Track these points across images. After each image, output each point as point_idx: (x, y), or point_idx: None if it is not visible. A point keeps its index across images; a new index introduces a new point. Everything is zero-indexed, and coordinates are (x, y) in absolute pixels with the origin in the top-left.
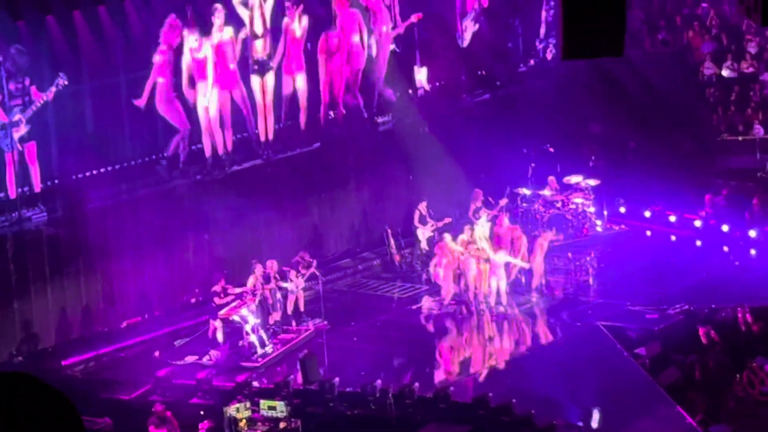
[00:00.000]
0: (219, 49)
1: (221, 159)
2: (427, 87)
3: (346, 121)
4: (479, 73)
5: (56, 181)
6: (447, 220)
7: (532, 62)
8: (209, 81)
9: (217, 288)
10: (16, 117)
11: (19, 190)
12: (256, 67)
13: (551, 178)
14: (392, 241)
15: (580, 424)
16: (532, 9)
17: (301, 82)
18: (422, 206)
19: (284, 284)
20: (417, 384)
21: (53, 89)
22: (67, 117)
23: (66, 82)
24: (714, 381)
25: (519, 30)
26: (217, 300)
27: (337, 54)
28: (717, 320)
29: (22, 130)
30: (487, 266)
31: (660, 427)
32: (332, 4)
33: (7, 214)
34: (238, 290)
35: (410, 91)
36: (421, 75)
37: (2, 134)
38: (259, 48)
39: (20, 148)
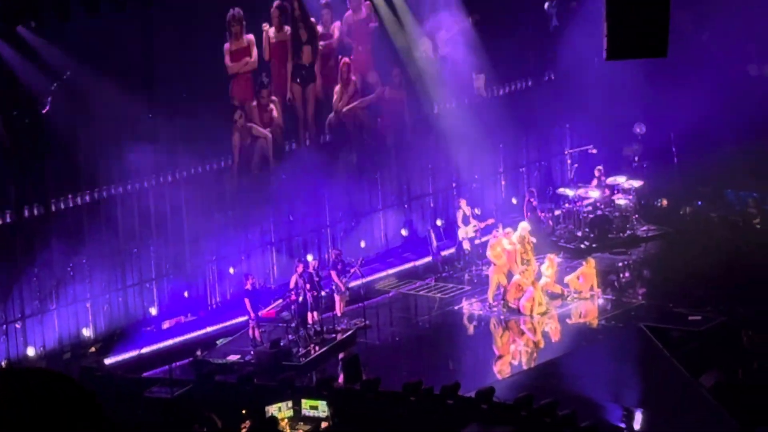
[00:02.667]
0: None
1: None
2: (485, 94)
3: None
4: (547, 78)
5: None
6: (490, 221)
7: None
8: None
9: (247, 287)
10: None
11: None
12: (300, 74)
13: (599, 167)
14: (435, 242)
15: (623, 425)
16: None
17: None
18: (463, 204)
19: (336, 281)
20: (459, 384)
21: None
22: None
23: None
24: (757, 383)
25: None
26: (247, 300)
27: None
28: (760, 322)
29: None
30: (531, 267)
31: (703, 428)
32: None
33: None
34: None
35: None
36: (479, 82)
37: None
38: (306, 54)
39: None
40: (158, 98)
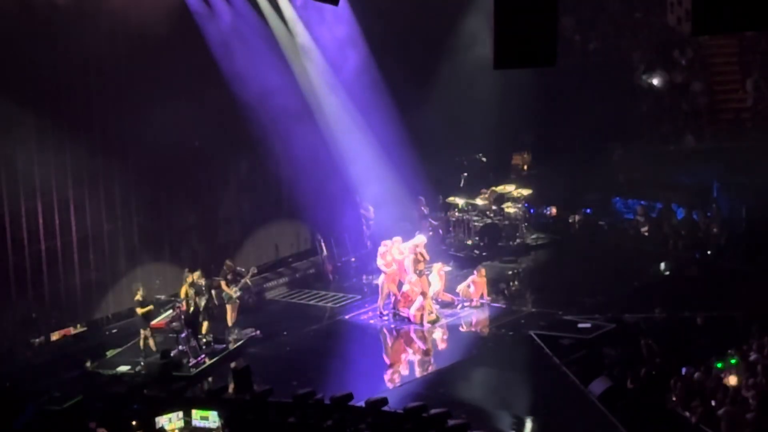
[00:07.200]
0: None
1: None
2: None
3: None
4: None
5: None
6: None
7: None
8: None
9: (138, 297)
10: None
11: None
12: None
13: (484, 190)
14: (325, 251)
15: None
16: None
17: None
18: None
19: (227, 291)
20: (350, 394)
21: None
22: None
23: None
24: (645, 390)
25: None
26: (138, 309)
27: None
28: (650, 329)
29: None
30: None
31: None
32: None
33: None
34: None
35: None
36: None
37: None
38: None
39: None
40: None
